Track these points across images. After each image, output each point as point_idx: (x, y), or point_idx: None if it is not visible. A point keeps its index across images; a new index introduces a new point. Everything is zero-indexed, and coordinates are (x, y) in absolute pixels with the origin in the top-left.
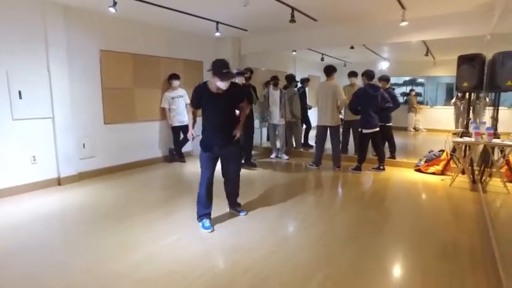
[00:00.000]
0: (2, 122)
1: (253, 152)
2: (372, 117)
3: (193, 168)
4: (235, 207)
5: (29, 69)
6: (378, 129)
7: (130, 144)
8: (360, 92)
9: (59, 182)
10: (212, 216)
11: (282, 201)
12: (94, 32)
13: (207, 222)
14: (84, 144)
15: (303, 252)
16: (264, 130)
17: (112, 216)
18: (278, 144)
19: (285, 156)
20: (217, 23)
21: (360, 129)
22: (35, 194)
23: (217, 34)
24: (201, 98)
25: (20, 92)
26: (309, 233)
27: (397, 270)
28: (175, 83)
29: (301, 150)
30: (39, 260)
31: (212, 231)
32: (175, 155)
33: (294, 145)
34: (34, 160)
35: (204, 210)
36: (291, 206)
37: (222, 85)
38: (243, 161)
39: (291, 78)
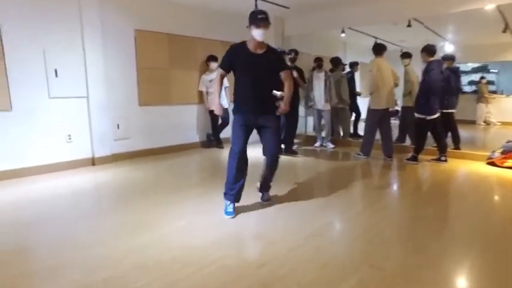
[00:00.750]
0: (39, 100)
1: (295, 141)
2: (434, 101)
3: None
4: (264, 192)
5: (64, 47)
6: (438, 114)
7: (166, 127)
8: (433, 71)
9: (93, 162)
10: (241, 201)
11: (321, 191)
12: (129, 11)
13: (230, 206)
14: (118, 125)
15: (336, 248)
16: (310, 119)
17: (138, 196)
18: (323, 133)
19: (331, 145)
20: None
21: (417, 114)
22: (70, 172)
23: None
24: (235, 58)
25: (56, 71)
26: (348, 227)
27: (461, 284)
28: (213, 65)
29: (349, 139)
30: (56, 231)
31: (233, 217)
32: (213, 140)
33: (342, 134)
34: (69, 139)
35: (230, 190)
36: (331, 197)
37: (258, 34)
38: (282, 147)
39: (336, 61)
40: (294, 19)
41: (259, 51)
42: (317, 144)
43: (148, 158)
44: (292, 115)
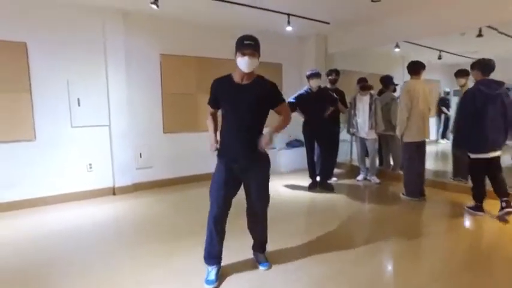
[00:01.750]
0: (62, 129)
1: (336, 171)
2: (488, 133)
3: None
4: (257, 252)
5: (88, 77)
6: (499, 153)
7: (191, 155)
8: (471, 94)
9: (113, 191)
10: (228, 260)
11: (345, 249)
12: (154, 35)
13: (212, 273)
14: (141, 154)
15: None
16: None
17: (146, 237)
18: (367, 164)
19: (376, 180)
20: (289, 15)
21: (468, 153)
22: (90, 202)
23: (289, 29)
24: (219, 92)
25: (78, 100)
26: None
27: None
28: None
29: (400, 172)
30: (69, 267)
31: (215, 287)
32: None
33: (392, 164)
34: (90, 168)
35: (209, 252)
36: (356, 259)
37: (244, 63)
38: (318, 180)
39: (387, 81)
40: (337, 35)
41: (245, 82)
42: (360, 177)
43: (172, 188)
44: (330, 143)
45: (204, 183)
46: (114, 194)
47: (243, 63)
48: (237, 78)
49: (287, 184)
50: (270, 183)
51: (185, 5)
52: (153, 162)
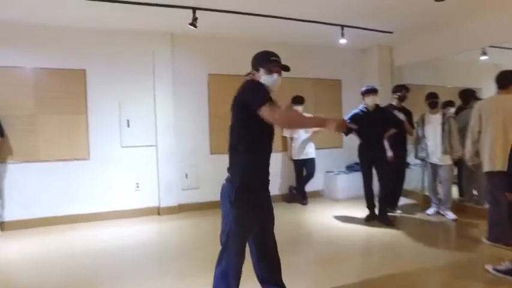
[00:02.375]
0: (112, 149)
1: (402, 201)
2: None
3: (317, 214)
4: None
5: (137, 98)
6: None
7: None
8: None
9: (158, 211)
10: None
11: None
12: (202, 56)
13: None
14: (187, 175)
15: None
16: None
17: (186, 260)
18: (440, 195)
19: (451, 215)
20: (342, 26)
21: None
22: (136, 220)
23: (343, 41)
24: None
25: (128, 121)
26: None
27: None
28: (299, 108)
29: (486, 206)
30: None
31: None
32: (296, 194)
33: (476, 196)
34: (137, 187)
35: None
36: None
37: (271, 80)
38: (376, 212)
39: (467, 96)
40: (403, 45)
41: None
42: (430, 210)
43: (217, 211)
44: (393, 169)
45: None
46: (158, 213)
47: (271, 81)
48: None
49: (341, 214)
50: (321, 212)
51: (231, 23)
52: (199, 184)
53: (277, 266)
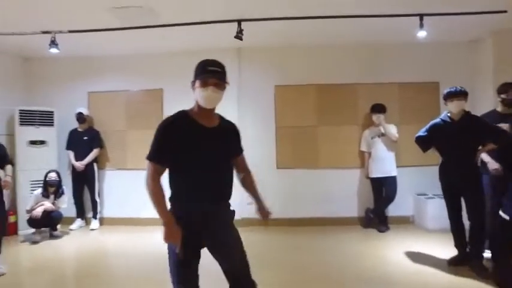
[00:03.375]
0: None
1: None
2: None
3: (394, 245)
4: None
5: None
6: None
7: (310, 195)
8: None
9: None
10: None
11: None
12: (268, 67)
13: None
14: None
15: None
16: None
17: None
18: None
19: None
20: (421, 16)
21: None
22: None
23: (422, 34)
24: (173, 140)
25: None
26: None
27: None
28: (377, 117)
29: None
30: None
31: None
32: (374, 217)
33: None
34: None
35: None
36: None
37: (205, 95)
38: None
39: None
40: None
41: (211, 124)
42: None
43: (284, 230)
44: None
45: (322, 228)
46: None
47: (204, 96)
48: (200, 115)
49: (425, 251)
50: (401, 244)
51: (296, 29)
52: (264, 198)
53: None
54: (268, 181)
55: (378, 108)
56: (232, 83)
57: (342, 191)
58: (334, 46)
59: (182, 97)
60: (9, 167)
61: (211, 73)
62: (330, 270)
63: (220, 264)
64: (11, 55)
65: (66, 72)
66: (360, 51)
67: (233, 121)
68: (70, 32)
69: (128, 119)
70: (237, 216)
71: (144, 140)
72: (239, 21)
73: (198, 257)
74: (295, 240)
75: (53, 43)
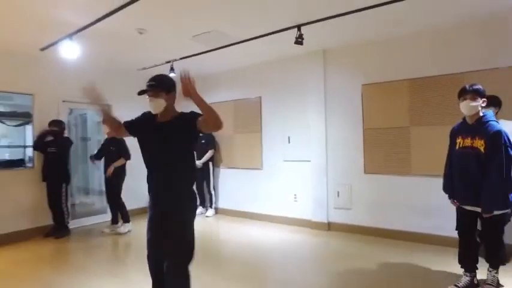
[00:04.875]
0: (277, 162)
1: None
2: None
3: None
4: None
5: (296, 116)
6: None
7: (400, 204)
8: None
9: (310, 224)
10: None
11: None
12: (354, 66)
13: None
14: (338, 193)
15: None
16: None
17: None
18: None
19: None
20: None
21: None
22: (290, 229)
23: None
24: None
25: (289, 138)
26: None
27: None
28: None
29: None
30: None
31: None
32: (481, 243)
33: None
34: (295, 199)
35: None
36: None
37: (149, 105)
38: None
39: None
40: None
41: (163, 119)
42: None
43: (372, 240)
44: None
45: (413, 246)
46: (310, 227)
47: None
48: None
49: None
50: None
51: (382, 18)
52: (351, 204)
53: None
54: (355, 186)
55: (493, 102)
56: (318, 85)
57: (439, 204)
58: (429, 31)
59: (278, 103)
60: (121, 160)
61: (148, 87)
62: None
63: None
64: None
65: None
66: (467, 31)
67: (320, 125)
68: (181, 58)
69: (234, 124)
70: (324, 220)
71: (247, 143)
72: (299, 27)
73: None
74: (378, 253)
75: (172, 69)
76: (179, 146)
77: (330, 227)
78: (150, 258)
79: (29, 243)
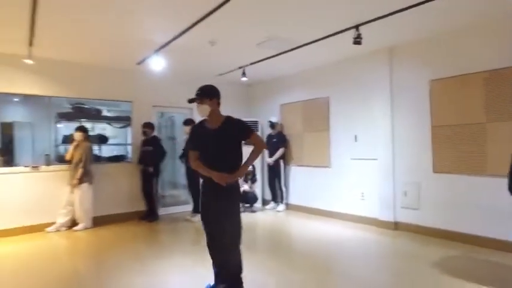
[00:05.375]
0: (344, 161)
1: None
2: None
3: None
4: None
5: (363, 114)
6: None
7: (473, 207)
8: None
9: (376, 223)
10: None
11: None
12: (421, 62)
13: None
14: (406, 192)
15: None
16: None
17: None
18: None
19: None
20: None
21: None
22: (358, 226)
23: None
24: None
25: (355, 136)
26: None
27: None
28: None
29: None
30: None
31: None
32: None
33: None
34: (362, 197)
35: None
36: None
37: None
38: None
39: None
40: None
41: (214, 126)
42: None
43: (440, 242)
44: None
45: (483, 252)
46: (376, 225)
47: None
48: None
49: None
50: None
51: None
52: (419, 204)
53: None
54: (423, 186)
55: None
56: (383, 83)
57: None
58: (507, 17)
59: (345, 102)
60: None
61: (195, 96)
62: None
63: None
64: (239, 85)
65: (268, 91)
66: None
67: (387, 123)
68: (251, 64)
69: (303, 124)
70: (390, 219)
71: (316, 142)
72: (357, 27)
73: None
74: (456, 257)
75: (243, 74)
76: (229, 147)
77: (396, 226)
78: (209, 234)
79: (127, 224)
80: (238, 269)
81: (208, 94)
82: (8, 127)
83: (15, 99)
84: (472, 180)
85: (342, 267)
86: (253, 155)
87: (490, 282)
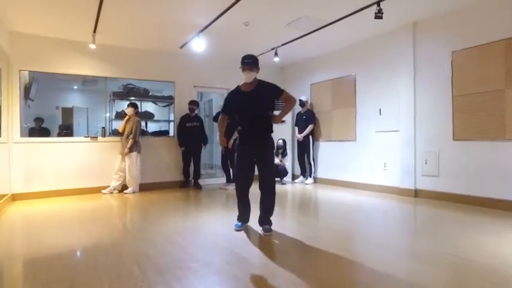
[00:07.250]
0: (369, 134)
1: None
2: None
3: None
4: (261, 225)
5: (386, 89)
6: None
7: (492, 171)
8: None
9: (397, 191)
10: None
11: None
12: (443, 34)
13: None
14: (426, 160)
15: None
16: None
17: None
18: None
19: None
20: None
21: None
22: (381, 195)
23: None
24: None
25: (380, 110)
26: None
27: None
28: None
29: None
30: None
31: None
32: None
33: None
34: (385, 167)
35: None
36: None
37: (243, 77)
38: None
39: None
40: None
41: (248, 89)
42: None
43: (458, 207)
44: None
45: (503, 213)
46: (398, 193)
47: (243, 77)
48: (242, 87)
49: None
50: None
51: None
52: (439, 171)
53: None
54: (443, 153)
55: None
56: (407, 57)
57: None
58: None
59: (371, 79)
60: (234, 134)
61: (245, 64)
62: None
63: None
64: (273, 67)
65: (299, 72)
66: None
67: (409, 95)
68: (282, 45)
69: (332, 101)
70: (411, 187)
71: (343, 117)
72: (378, 2)
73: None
74: (470, 220)
75: (276, 54)
76: (264, 106)
77: (416, 193)
78: (242, 180)
79: (170, 190)
80: (271, 207)
81: (257, 63)
82: (68, 111)
83: (75, 87)
84: (491, 145)
85: (364, 233)
86: (286, 108)
87: None
